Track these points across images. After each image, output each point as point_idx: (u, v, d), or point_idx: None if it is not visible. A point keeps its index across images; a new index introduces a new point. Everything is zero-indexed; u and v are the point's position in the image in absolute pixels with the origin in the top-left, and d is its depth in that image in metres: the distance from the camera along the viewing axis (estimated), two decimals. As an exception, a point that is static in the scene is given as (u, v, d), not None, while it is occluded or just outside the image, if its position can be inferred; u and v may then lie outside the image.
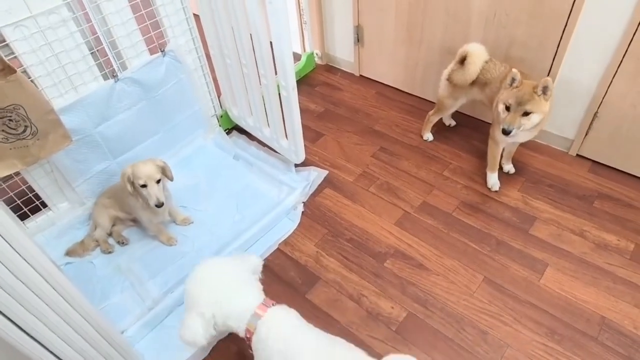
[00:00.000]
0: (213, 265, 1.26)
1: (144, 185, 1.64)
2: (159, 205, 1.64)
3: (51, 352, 1.17)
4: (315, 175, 2.12)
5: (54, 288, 1.10)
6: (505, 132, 1.66)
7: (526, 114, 1.63)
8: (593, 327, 1.52)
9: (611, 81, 1.81)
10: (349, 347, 1.14)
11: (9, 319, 1.05)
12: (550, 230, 1.82)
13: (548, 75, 1.95)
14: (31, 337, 1.11)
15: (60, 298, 1.12)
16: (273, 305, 1.21)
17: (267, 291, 1.29)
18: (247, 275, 1.27)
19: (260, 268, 1.36)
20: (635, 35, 1.66)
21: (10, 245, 0.99)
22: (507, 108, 1.66)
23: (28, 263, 1.03)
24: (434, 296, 1.64)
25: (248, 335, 1.17)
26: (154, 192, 1.64)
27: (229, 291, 1.20)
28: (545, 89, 1.58)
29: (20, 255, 1.01)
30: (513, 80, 1.63)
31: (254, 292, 1.23)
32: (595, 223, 1.83)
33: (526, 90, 1.61)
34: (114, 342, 1.33)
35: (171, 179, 1.73)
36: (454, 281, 1.68)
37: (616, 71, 1.77)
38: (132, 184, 1.66)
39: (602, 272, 1.67)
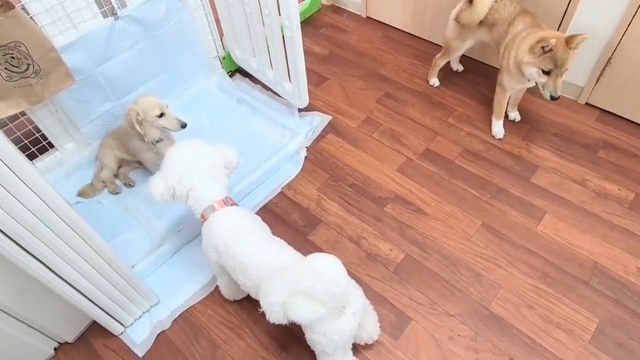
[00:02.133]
0: (192, 147, 1.39)
1: (161, 115, 1.63)
2: (184, 125, 1.66)
3: (69, 284, 1.25)
4: (319, 120, 2.11)
5: (68, 225, 1.15)
6: (554, 99, 1.64)
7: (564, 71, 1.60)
8: (585, 272, 1.57)
9: (628, 25, 1.74)
10: (286, 247, 1.28)
11: (31, 254, 1.11)
12: (552, 179, 1.83)
13: (562, 18, 1.88)
14: (52, 270, 1.18)
15: (74, 234, 1.18)
16: (232, 205, 1.34)
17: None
18: (219, 168, 1.39)
19: (234, 164, 1.47)
20: (658, -24, 1.58)
21: (26, 185, 1.02)
22: (545, 72, 1.61)
23: (43, 201, 1.07)
24: (432, 240, 1.69)
25: (202, 220, 1.34)
26: (173, 116, 1.65)
27: (193, 175, 1.33)
28: (578, 44, 1.53)
29: (36, 194, 1.05)
30: (545, 46, 1.55)
31: (219, 187, 1.35)
32: (597, 172, 1.84)
33: (563, 50, 1.54)
34: (126, 276, 1.40)
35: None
36: (452, 226, 1.72)
37: (634, 15, 1.70)
38: (140, 123, 1.64)
39: (600, 220, 1.70)
